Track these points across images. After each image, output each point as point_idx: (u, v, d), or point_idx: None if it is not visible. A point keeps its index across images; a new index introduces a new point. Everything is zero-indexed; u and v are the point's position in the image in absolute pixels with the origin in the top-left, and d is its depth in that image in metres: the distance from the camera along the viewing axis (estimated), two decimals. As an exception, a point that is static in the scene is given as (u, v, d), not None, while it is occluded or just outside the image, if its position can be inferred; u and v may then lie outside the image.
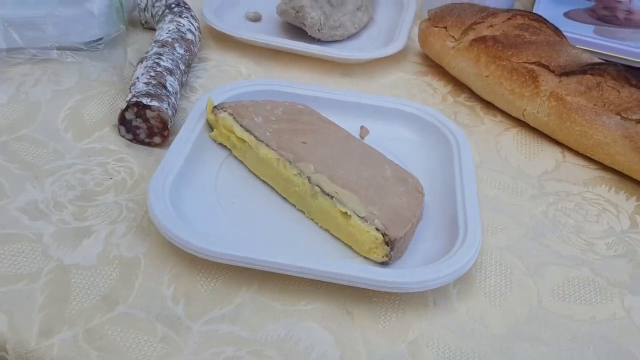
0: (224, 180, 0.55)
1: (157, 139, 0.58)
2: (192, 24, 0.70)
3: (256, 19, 0.82)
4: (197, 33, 0.71)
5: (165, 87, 0.59)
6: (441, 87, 0.73)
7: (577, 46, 0.69)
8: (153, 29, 0.75)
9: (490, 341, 0.45)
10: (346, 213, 0.49)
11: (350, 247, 0.50)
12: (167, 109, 0.57)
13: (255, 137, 0.55)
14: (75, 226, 0.50)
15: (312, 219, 0.52)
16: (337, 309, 0.46)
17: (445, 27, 0.73)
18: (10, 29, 0.64)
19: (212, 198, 0.53)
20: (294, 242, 0.50)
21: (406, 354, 0.43)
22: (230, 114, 0.56)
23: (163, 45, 0.64)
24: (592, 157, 0.62)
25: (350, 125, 0.61)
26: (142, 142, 0.58)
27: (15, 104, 0.61)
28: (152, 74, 0.60)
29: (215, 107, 0.58)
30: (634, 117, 0.59)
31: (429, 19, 0.75)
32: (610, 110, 0.60)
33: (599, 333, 0.46)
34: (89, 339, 0.42)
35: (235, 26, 0.77)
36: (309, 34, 0.76)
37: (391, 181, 0.53)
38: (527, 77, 0.64)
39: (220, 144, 0.58)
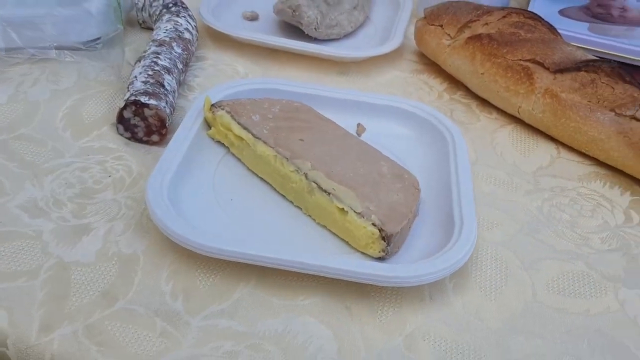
0: (221, 177, 0.56)
1: (155, 137, 0.58)
2: (189, 23, 0.71)
3: (253, 18, 0.82)
4: (194, 32, 0.71)
5: (163, 86, 0.59)
6: (437, 85, 0.73)
7: (572, 43, 0.70)
8: (151, 29, 0.75)
9: (486, 334, 0.45)
10: (343, 209, 0.49)
11: (347, 243, 0.50)
12: (165, 107, 0.58)
13: (253, 134, 0.55)
14: (74, 223, 0.50)
15: (310, 216, 0.52)
16: (334, 303, 0.46)
17: (441, 25, 0.73)
18: (9, 28, 0.65)
19: (210, 195, 0.53)
20: (291, 238, 0.50)
21: (403, 348, 0.44)
22: (228, 112, 0.57)
23: (161, 45, 0.65)
24: (587, 153, 0.63)
25: (347, 122, 0.62)
26: (140, 141, 0.59)
27: (15, 104, 0.62)
28: (150, 72, 0.60)
29: (212, 105, 0.58)
30: (628, 113, 0.59)
31: (425, 18, 0.76)
32: (604, 107, 0.61)
33: (593, 326, 0.47)
34: (88, 334, 0.42)
35: (232, 25, 0.78)
36: (305, 32, 0.76)
37: (387, 177, 0.53)
38: (522, 74, 0.65)
39: (218, 142, 0.59)
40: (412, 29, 0.80)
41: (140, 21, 0.77)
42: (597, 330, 0.46)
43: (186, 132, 0.56)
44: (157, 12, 0.73)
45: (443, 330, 0.45)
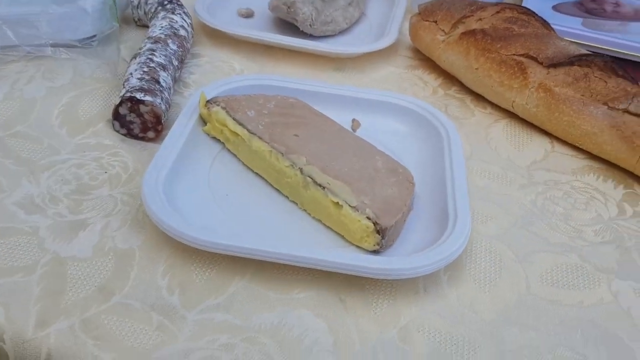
0: (217, 173, 0.56)
1: (150, 134, 0.59)
2: (184, 20, 0.71)
3: (248, 15, 0.82)
4: (189, 29, 0.71)
5: (158, 82, 0.60)
6: (432, 81, 0.74)
7: (565, 38, 0.70)
8: (146, 26, 0.76)
9: (480, 326, 0.46)
10: (338, 203, 0.49)
11: (342, 237, 0.51)
12: (160, 103, 0.58)
13: (248, 130, 0.55)
14: (70, 219, 0.50)
15: (305, 210, 0.53)
16: (329, 297, 0.47)
17: (435, 21, 0.73)
18: (4, 26, 0.65)
19: (205, 191, 0.54)
20: (287, 233, 0.51)
21: (397, 340, 0.44)
22: (223, 108, 0.57)
23: (156, 42, 0.65)
24: (581, 146, 0.63)
25: (342, 118, 0.62)
26: (136, 137, 0.59)
27: (10, 101, 0.62)
28: (146, 69, 0.60)
29: (208, 101, 0.59)
30: (621, 106, 0.60)
31: (419, 14, 0.76)
32: (597, 101, 0.61)
33: (587, 317, 0.47)
34: (85, 329, 0.42)
35: (227, 22, 0.78)
36: (300, 29, 0.76)
37: (382, 172, 0.53)
38: (516, 69, 0.65)
39: (214, 138, 0.59)
40: (406, 25, 0.80)
41: (136, 19, 0.77)
42: (591, 321, 0.47)
43: (182, 128, 0.56)
44: (153, 10, 0.73)
45: (437, 322, 0.46)
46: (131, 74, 0.60)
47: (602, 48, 0.75)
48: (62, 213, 0.51)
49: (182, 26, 0.70)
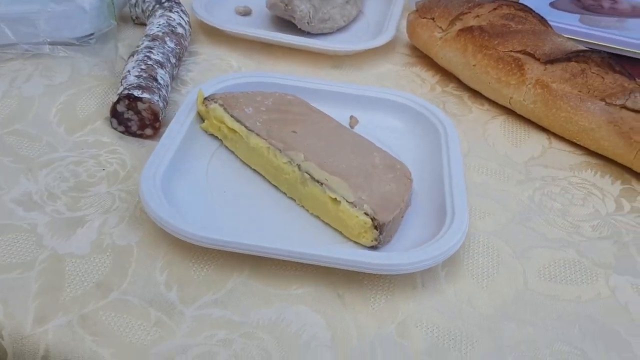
0: (215, 170, 0.56)
1: (148, 131, 0.59)
2: (182, 18, 0.71)
3: (246, 13, 0.82)
4: (187, 27, 0.72)
5: (156, 80, 0.60)
6: (429, 78, 0.74)
7: (563, 35, 0.70)
8: (144, 25, 0.76)
9: (478, 321, 0.46)
10: (336, 199, 0.49)
11: (340, 233, 0.51)
12: (158, 101, 0.58)
13: (246, 127, 0.55)
14: (69, 216, 0.50)
15: (303, 206, 0.53)
16: (327, 292, 0.47)
17: (433, 19, 0.74)
18: (2, 24, 0.65)
19: (203, 188, 0.54)
20: (285, 229, 0.51)
21: (395, 335, 0.44)
22: (221, 105, 0.57)
23: (154, 39, 0.65)
24: (578, 142, 0.63)
25: (340, 115, 0.62)
26: (134, 134, 0.59)
27: (9, 99, 0.62)
28: (143, 67, 0.60)
29: (205, 98, 0.59)
30: (618, 102, 0.60)
31: (417, 11, 0.76)
32: (594, 97, 0.61)
33: (584, 312, 0.47)
34: (83, 325, 0.42)
35: (225, 20, 0.78)
36: (298, 27, 0.77)
37: (380, 168, 0.53)
38: (513, 65, 0.65)
39: (212, 135, 0.59)
40: (404, 22, 0.80)
41: (134, 17, 0.77)
42: (588, 316, 0.47)
43: (179, 125, 0.56)
44: (150, 8, 0.73)
45: (435, 317, 0.46)
46: (129, 71, 0.60)
47: (599, 45, 0.75)
48: (60, 210, 0.51)
49: (179, 24, 0.70)
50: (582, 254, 0.52)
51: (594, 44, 0.76)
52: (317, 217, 0.52)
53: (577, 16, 0.80)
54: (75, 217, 0.50)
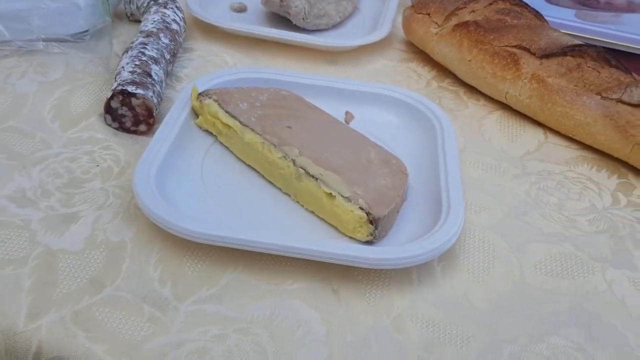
0: (210, 166, 0.56)
1: (142, 127, 0.58)
2: (177, 14, 0.71)
3: (241, 9, 0.82)
4: (182, 23, 0.71)
5: (150, 76, 0.59)
6: (425, 73, 0.73)
7: (558, 30, 0.70)
8: (139, 21, 0.75)
9: (474, 316, 0.45)
10: (331, 194, 0.49)
11: (335, 228, 0.50)
12: (152, 96, 0.58)
13: (240, 122, 0.55)
14: (62, 212, 0.50)
15: (298, 202, 0.53)
16: (322, 287, 0.46)
17: (429, 14, 0.73)
18: (-4, 21, 0.65)
19: (198, 184, 0.53)
20: (280, 225, 0.51)
21: (390, 329, 0.44)
22: (215, 100, 0.57)
23: (148, 35, 0.65)
24: (574, 137, 0.63)
25: (336, 110, 0.62)
26: (128, 130, 0.59)
27: (3, 96, 0.62)
28: (137, 62, 0.60)
29: (200, 94, 0.58)
30: (614, 96, 0.59)
31: (413, 6, 0.76)
32: (590, 91, 0.61)
33: (581, 306, 0.47)
34: (76, 320, 0.42)
35: (220, 17, 0.78)
36: (293, 23, 0.76)
37: (375, 163, 0.53)
38: (509, 60, 0.65)
39: (206, 131, 0.59)
40: (400, 18, 0.80)
41: (128, 14, 0.77)
42: (585, 310, 0.47)
43: (174, 121, 0.56)
44: (145, 5, 0.73)
45: (431, 311, 0.45)
46: (123, 67, 0.60)
47: (595, 39, 0.75)
48: (54, 206, 0.50)
49: (174, 20, 0.70)
50: (578, 248, 0.52)
51: (590, 38, 0.75)
52: (312, 212, 0.52)
53: (573, 11, 0.80)
54: (69, 213, 0.50)
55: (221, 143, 0.58)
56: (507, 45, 0.66)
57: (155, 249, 0.48)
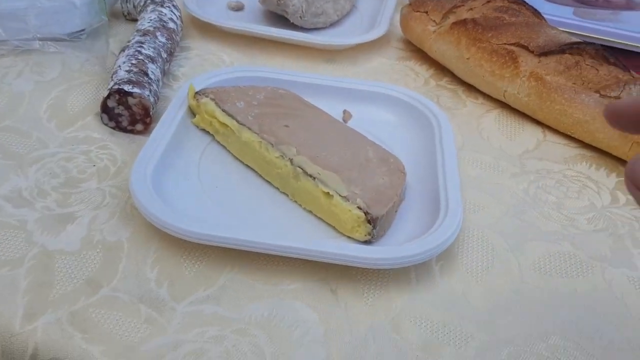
0: (207, 165, 0.55)
1: (139, 126, 0.58)
2: (173, 13, 0.71)
3: (238, 8, 0.82)
4: (178, 22, 0.71)
5: (146, 75, 0.59)
6: (423, 72, 0.73)
7: (557, 27, 0.70)
8: (135, 20, 0.75)
9: (472, 315, 0.45)
10: (328, 193, 0.49)
11: (333, 228, 0.50)
12: (148, 95, 0.57)
13: (238, 121, 0.55)
14: (59, 212, 0.50)
15: (296, 201, 0.52)
16: (320, 287, 0.46)
17: (426, 12, 0.73)
18: (-9, 20, 0.65)
19: (195, 183, 0.53)
20: (278, 225, 0.50)
21: (389, 329, 0.44)
22: (212, 99, 0.57)
23: (145, 34, 0.65)
24: (573, 135, 0.63)
25: (333, 109, 0.61)
26: (124, 130, 0.58)
27: (-2, 95, 0.62)
28: (134, 61, 0.60)
29: (197, 92, 0.58)
30: (613, 94, 0.59)
31: (410, 4, 0.76)
32: (589, 89, 0.61)
33: (580, 305, 0.47)
34: (73, 322, 0.42)
35: (217, 15, 0.77)
36: (291, 21, 0.76)
37: (373, 162, 0.53)
38: (507, 58, 0.65)
39: (203, 130, 0.58)
40: (397, 16, 0.79)
41: (125, 13, 0.77)
42: (584, 309, 0.46)
43: (170, 120, 0.56)
44: (142, 4, 0.73)
45: (430, 311, 0.45)
46: (119, 66, 0.60)
47: (593, 37, 0.75)
48: (50, 206, 0.50)
49: (171, 19, 0.69)
50: (577, 246, 0.52)
51: (588, 36, 0.75)
52: (310, 212, 0.51)
53: (571, 9, 0.80)
54: (65, 214, 0.50)
55: (218, 142, 0.57)
56: (505, 43, 0.65)
57: (152, 249, 0.48)
